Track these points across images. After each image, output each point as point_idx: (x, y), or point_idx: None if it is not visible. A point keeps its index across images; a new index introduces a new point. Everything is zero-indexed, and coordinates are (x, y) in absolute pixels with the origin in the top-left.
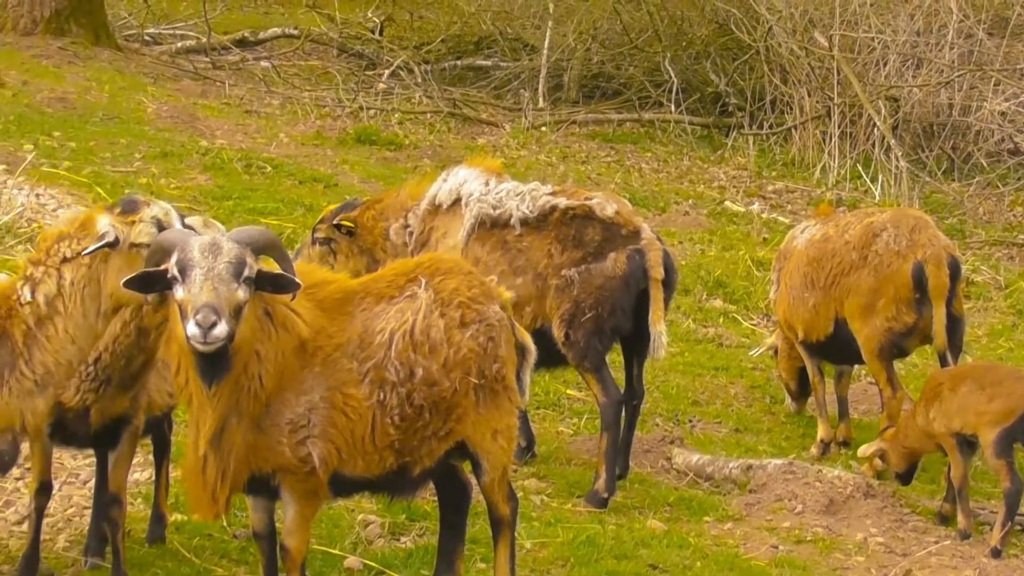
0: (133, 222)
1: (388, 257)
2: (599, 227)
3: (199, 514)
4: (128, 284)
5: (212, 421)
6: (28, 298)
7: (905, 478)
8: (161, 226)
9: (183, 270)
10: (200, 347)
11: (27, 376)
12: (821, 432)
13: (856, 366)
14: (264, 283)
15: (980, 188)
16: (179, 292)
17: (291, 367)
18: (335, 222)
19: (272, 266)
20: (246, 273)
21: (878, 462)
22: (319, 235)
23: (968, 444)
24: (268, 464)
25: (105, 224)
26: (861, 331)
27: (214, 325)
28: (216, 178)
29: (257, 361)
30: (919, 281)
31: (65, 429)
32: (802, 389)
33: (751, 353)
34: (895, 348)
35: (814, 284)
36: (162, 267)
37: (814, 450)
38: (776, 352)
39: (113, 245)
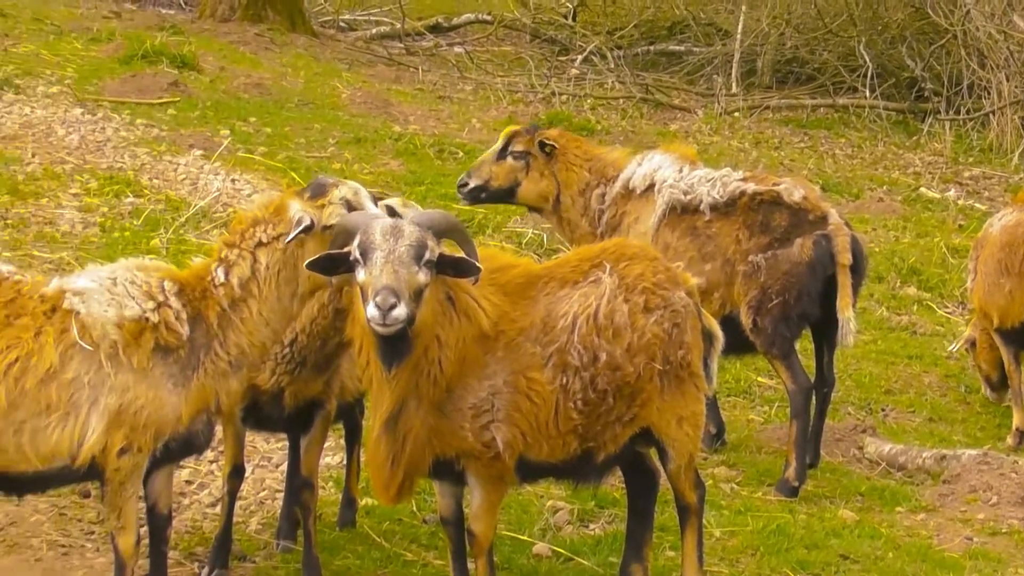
0: (323, 205)
1: (574, 209)
2: (786, 213)
3: (379, 497)
4: (311, 266)
5: (389, 403)
6: (222, 279)
7: None
8: (350, 206)
9: (364, 253)
10: (379, 329)
11: (222, 357)
12: (1017, 421)
13: None
14: (445, 267)
15: None
16: (360, 274)
17: (472, 353)
18: (540, 139)
19: (456, 250)
20: (427, 256)
21: None
22: (517, 148)
23: None
24: (451, 449)
25: (298, 210)
26: None
27: (393, 307)
28: (408, 163)
29: (438, 346)
30: None
31: (259, 412)
32: (1002, 379)
33: (950, 348)
34: None
35: (1008, 270)
36: (345, 249)
37: (1010, 440)
38: (973, 344)
39: (309, 230)
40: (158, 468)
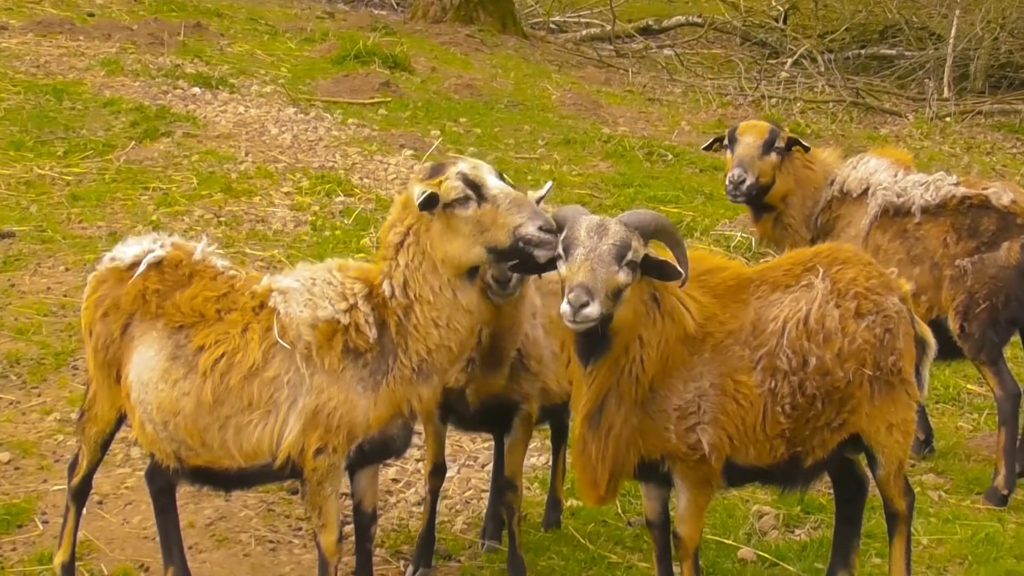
0: (440, 182)
1: (801, 211)
2: (995, 216)
3: (584, 497)
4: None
5: (587, 400)
6: (390, 292)
7: None
8: (468, 180)
9: (568, 248)
10: (571, 326)
11: (405, 364)
12: None
13: None
14: (649, 268)
15: None
16: (562, 269)
17: (677, 354)
18: (792, 136)
19: (666, 253)
20: (629, 256)
21: None
22: (780, 143)
23: None
24: (656, 450)
25: (418, 191)
26: None
27: (585, 305)
28: (617, 165)
29: (640, 345)
30: None
31: (450, 408)
32: None
33: None
34: None
35: None
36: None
37: None
38: None
39: (432, 203)
40: (360, 468)
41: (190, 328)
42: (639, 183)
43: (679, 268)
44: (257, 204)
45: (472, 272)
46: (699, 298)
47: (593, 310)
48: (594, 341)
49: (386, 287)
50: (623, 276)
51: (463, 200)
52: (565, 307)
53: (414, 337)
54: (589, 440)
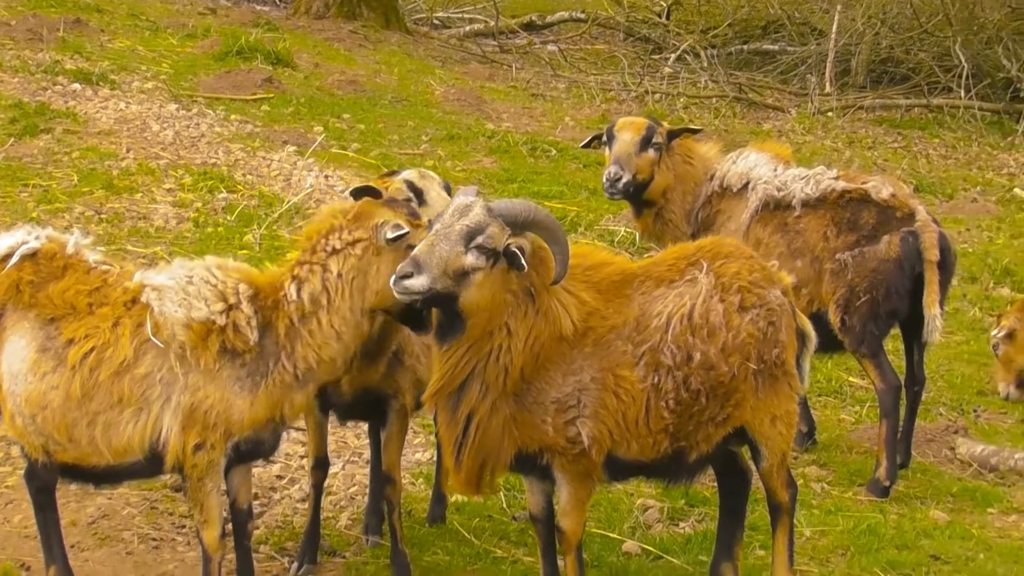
0: (419, 226)
1: (681, 206)
2: (874, 210)
3: (452, 484)
4: (394, 238)
5: (439, 376)
6: (294, 297)
7: None
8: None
9: (431, 225)
10: (396, 295)
11: (288, 370)
12: None
13: None
14: (507, 257)
15: None
16: None
17: (553, 349)
18: (669, 130)
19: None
20: (480, 240)
21: None
22: (659, 139)
23: None
24: (534, 442)
25: (394, 224)
26: None
27: (407, 276)
28: (501, 161)
29: (506, 334)
30: None
31: (325, 398)
32: None
33: (993, 334)
34: None
35: None
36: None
37: None
38: (1010, 335)
39: (398, 240)
40: (234, 466)
41: (61, 320)
42: (523, 179)
43: (523, 262)
44: (139, 201)
45: None
46: (582, 294)
47: (415, 283)
48: (448, 320)
49: (291, 290)
50: (470, 258)
51: None
52: (392, 276)
53: (306, 343)
54: (445, 420)
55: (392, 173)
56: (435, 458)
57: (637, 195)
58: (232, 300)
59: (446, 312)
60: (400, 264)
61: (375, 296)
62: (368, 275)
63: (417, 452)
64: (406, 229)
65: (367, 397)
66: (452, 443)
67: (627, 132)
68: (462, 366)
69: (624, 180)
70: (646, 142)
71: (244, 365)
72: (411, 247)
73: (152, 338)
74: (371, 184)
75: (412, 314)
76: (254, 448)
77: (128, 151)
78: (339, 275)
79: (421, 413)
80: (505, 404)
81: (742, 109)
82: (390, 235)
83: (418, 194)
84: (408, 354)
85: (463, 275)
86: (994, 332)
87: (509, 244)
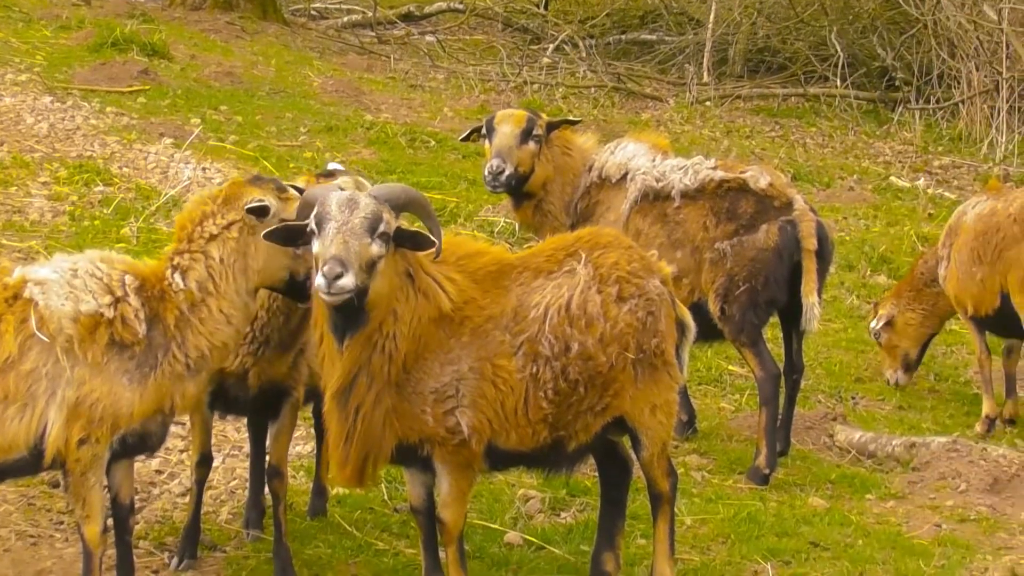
0: (287, 198)
1: (561, 197)
2: (752, 199)
3: (335, 477)
4: (269, 236)
5: (339, 376)
6: (181, 285)
7: None
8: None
9: (320, 224)
10: (326, 298)
11: (179, 359)
12: (986, 408)
13: None
14: (403, 240)
15: None
16: (315, 246)
17: (432, 335)
18: (548, 122)
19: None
20: (381, 228)
21: None
22: (538, 131)
23: None
24: (414, 433)
25: (255, 198)
26: (1021, 305)
27: (339, 276)
28: (380, 152)
29: (393, 320)
30: None
31: (226, 395)
32: (918, 360)
33: (871, 326)
34: None
35: (981, 259)
36: (304, 221)
37: (979, 427)
38: (889, 323)
39: (263, 212)
40: (117, 460)
41: None
42: (402, 169)
43: (431, 237)
44: (13, 195)
45: None
46: (458, 281)
47: (347, 281)
48: (351, 316)
49: (177, 279)
50: (376, 248)
51: None
52: (320, 280)
53: (197, 332)
54: (337, 417)
55: (328, 175)
56: (315, 451)
57: (518, 187)
58: (119, 293)
59: (352, 307)
60: (327, 266)
61: (257, 275)
62: (248, 256)
63: (298, 445)
64: (267, 203)
65: (271, 390)
66: (343, 437)
67: (507, 125)
68: (356, 360)
69: (507, 173)
70: (526, 134)
71: (132, 358)
72: (284, 221)
73: (37, 333)
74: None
75: (295, 286)
76: (141, 441)
77: (1, 144)
78: (221, 260)
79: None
80: (387, 395)
81: (621, 99)
82: (250, 207)
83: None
84: (310, 345)
85: (372, 266)
86: (873, 323)
87: (399, 227)
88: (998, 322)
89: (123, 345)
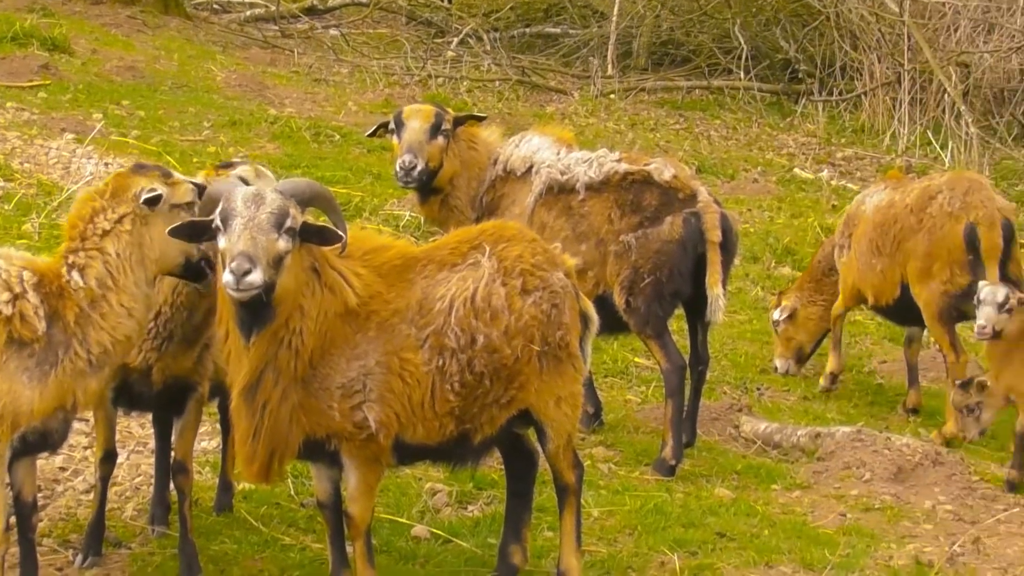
0: (175, 183)
1: (467, 191)
2: (656, 192)
3: (243, 474)
4: (174, 232)
5: (247, 373)
6: (80, 284)
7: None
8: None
9: (226, 220)
10: (234, 295)
11: (81, 356)
12: (832, 365)
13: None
14: (309, 235)
15: None
16: (221, 242)
17: (338, 330)
18: (455, 117)
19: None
20: (288, 223)
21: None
22: (447, 125)
23: None
24: (321, 428)
25: (146, 189)
26: (920, 295)
27: (247, 273)
28: (285, 147)
29: (300, 316)
30: (971, 243)
31: (130, 391)
32: (810, 355)
33: (773, 316)
34: (954, 311)
35: (880, 249)
36: (209, 217)
37: (822, 381)
38: (792, 315)
39: (156, 202)
40: (19, 458)
41: None
42: (307, 164)
43: (337, 232)
44: None
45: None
46: (364, 275)
47: (256, 277)
48: (258, 311)
49: (75, 277)
50: (283, 243)
51: (192, 205)
52: (228, 277)
53: (99, 327)
54: (243, 414)
55: (227, 165)
56: (221, 446)
57: (428, 183)
58: (17, 289)
59: (260, 303)
60: (234, 262)
61: (155, 264)
62: (143, 246)
63: (203, 440)
64: (159, 191)
65: (175, 386)
66: (250, 433)
67: (416, 120)
68: (263, 356)
69: (419, 168)
70: (435, 129)
71: (32, 355)
72: (177, 206)
73: None
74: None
75: (191, 269)
76: (42, 439)
77: None
78: (117, 254)
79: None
80: (294, 391)
81: (525, 92)
82: (144, 198)
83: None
84: (215, 339)
85: (279, 262)
86: (775, 313)
87: (305, 222)
88: (898, 312)
89: (22, 343)
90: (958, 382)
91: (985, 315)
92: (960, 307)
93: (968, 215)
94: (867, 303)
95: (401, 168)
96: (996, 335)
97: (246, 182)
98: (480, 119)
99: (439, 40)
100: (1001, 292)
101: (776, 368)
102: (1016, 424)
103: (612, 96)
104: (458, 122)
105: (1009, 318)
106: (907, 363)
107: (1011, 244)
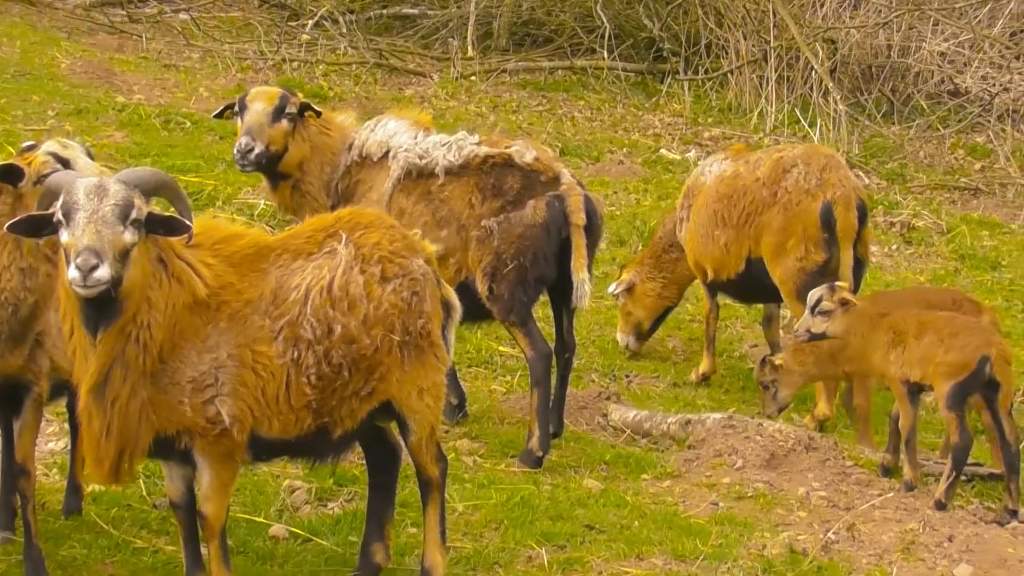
0: (30, 161)
1: (320, 178)
2: (518, 175)
3: (92, 475)
4: (13, 228)
5: (95, 370)
6: None
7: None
8: (60, 160)
9: (68, 213)
10: (81, 291)
11: None
12: (704, 366)
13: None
14: (155, 226)
15: (920, 131)
16: (64, 236)
17: (188, 322)
18: (303, 101)
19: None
20: (133, 215)
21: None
22: (292, 109)
23: (918, 391)
24: (172, 424)
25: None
26: (775, 271)
27: (94, 268)
28: (133, 135)
29: (148, 309)
30: (827, 222)
31: None
32: (651, 332)
33: (609, 290)
34: (812, 288)
35: (725, 222)
36: (49, 211)
37: (693, 376)
38: (629, 289)
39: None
40: None
41: None
42: (157, 152)
43: (185, 222)
44: None
45: None
46: (214, 265)
47: (103, 272)
48: (105, 307)
49: None
50: (129, 236)
51: None
52: (74, 273)
53: None
54: (94, 413)
55: (31, 147)
56: (69, 447)
57: (271, 167)
58: None
59: (107, 298)
60: (80, 257)
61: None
62: None
63: (50, 441)
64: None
65: (6, 385)
66: (97, 431)
67: (259, 102)
68: (111, 352)
69: (256, 151)
70: (279, 112)
71: None
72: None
73: None
74: (11, 163)
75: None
76: None
77: None
78: None
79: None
80: (143, 387)
81: (383, 75)
82: None
83: (65, 164)
84: (48, 336)
85: (126, 255)
86: (612, 286)
87: (151, 212)
88: (738, 287)
89: None
90: (760, 358)
91: (802, 318)
92: (816, 284)
93: (825, 193)
94: (706, 278)
95: (238, 151)
96: (818, 336)
97: (57, 156)
98: (317, 113)
99: (293, 23)
100: (815, 295)
101: (619, 342)
102: (893, 409)
103: (473, 78)
104: (305, 106)
105: (828, 319)
106: (768, 343)
107: (863, 225)
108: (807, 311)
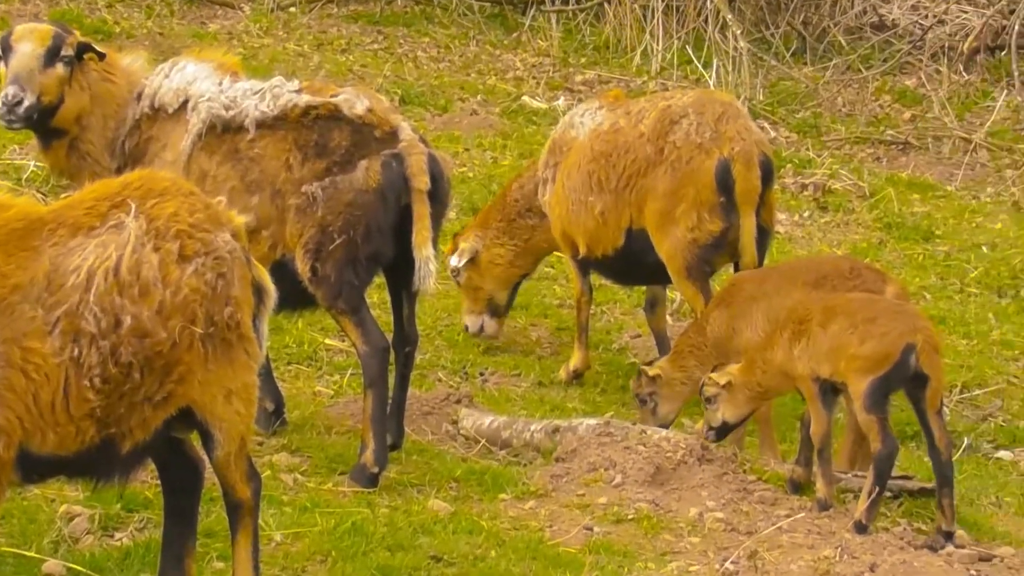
0: None
1: (103, 134)
2: (347, 129)
3: None
4: None
5: None
6: None
7: (722, 432)
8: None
9: None
10: None
11: None
12: (576, 361)
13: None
14: None
15: (838, 73)
16: None
17: None
18: (81, 41)
19: None
20: None
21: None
22: (69, 52)
23: (834, 392)
24: None
25: None
26: (662, 244)
27: None
28: None
29: None
30: (724, 182)
31: None
32: (507, 307)
33: (451, 262)
34: (706, 264)
35: (602, 186)
36: None
37: (562, 373)
38: (473, 259)
39: None
40: None
41: None
42: None
43: None
44: None
45: None
46: None
47: None
48: None
49: None
50: None
51: None
52: None
53: None
54: None
55: None
56: None
57: (43, 122)
58: None
59: None
60: None
61: None
62: None
63: None
64: None
65: None
66: None
67: (27, 43)
68: None
69: (26, 104)
70: (53, 55)
71: None
72: None
73: None
74: None
75: None
76: None
77: None
78: None
79: None
80: None
81: (182, 7)
82: None
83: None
84: None
85: None
86: (452, 258)
87: None
88: (617, 265)
89: None
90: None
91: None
92: (712, 259)
93: (721, 149)
94: (576, 254)
95: (3, 103)
96: (724, 429)
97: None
98: (100, 55)
99: None
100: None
101: (467, 328)
102: (805, 413)
103: (292, 10)
104: (84, 47)
105: (716, 405)
106: (654, 333)
107: (768, 187)
108: (704, 403)
